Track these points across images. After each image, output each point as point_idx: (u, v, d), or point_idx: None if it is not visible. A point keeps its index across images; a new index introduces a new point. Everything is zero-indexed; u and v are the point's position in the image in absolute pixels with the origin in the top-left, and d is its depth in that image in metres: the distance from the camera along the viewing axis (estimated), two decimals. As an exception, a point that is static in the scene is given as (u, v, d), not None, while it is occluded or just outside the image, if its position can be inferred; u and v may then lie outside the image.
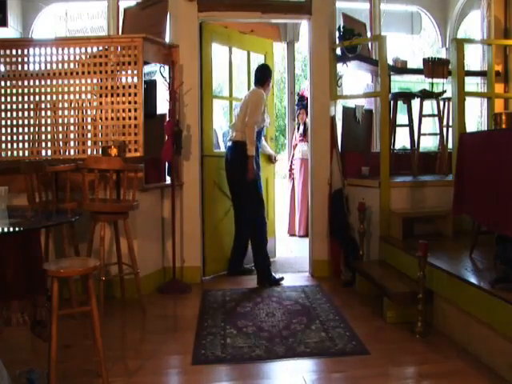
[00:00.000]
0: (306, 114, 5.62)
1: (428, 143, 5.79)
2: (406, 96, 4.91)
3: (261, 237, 4.42)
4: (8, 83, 4.08)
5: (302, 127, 6.47)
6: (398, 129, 4.98)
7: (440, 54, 6.47)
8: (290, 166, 6.69)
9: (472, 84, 5.55)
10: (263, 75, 4.52)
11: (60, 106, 4.08)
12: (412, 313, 3.18)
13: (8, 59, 4.07)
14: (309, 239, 4.79)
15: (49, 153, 4.05)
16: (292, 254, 5.62)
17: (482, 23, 5.40)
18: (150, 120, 4.19)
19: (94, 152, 4.02)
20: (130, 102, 3.98)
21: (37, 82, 4.05)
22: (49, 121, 4.05)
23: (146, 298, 3.73)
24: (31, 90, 4.04)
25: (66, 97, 4.05)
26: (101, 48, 4.05)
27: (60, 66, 4.05)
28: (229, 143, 4.51)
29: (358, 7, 5.77)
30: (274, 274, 4.46)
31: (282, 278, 4.46)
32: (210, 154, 4.70)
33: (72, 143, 4.08)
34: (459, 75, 4.16)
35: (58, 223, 3.04)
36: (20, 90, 4.06)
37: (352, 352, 2.91)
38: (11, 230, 2.31)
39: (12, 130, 4.06)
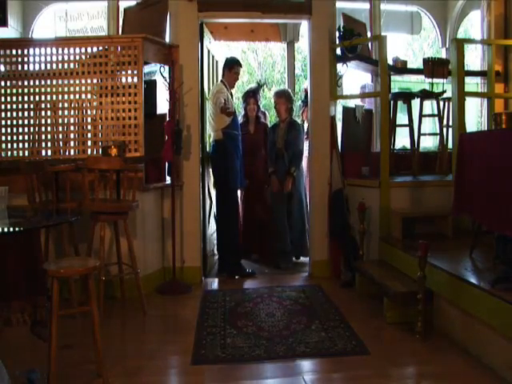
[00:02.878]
0: None
1: (428, 143, 5.78)
2: (406, 96, 4.91)
3: (232, 224, 4.64)
4: (8, 83, 4.08)
5: (306, 125, 6.43)
6: (398, 129, 4.97)
7: (440, 54, 6.47)
8: None
9: (472, 84, 5.54)
10: (223, 67, 4.77)
11: (60, 106, 4.08)
12: (412, 313, 3.18)
13: (8, 59, 4.07)
14: (309, 239, 4.79)
15: (49, 153, 4.06)
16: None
17: (482, 23, 5.40)
18: (150, 120, 4.19)
19: (94, 152, 4.02)
20: (130, 102, 3.98)
21: (37, 82, 4.05)
22: (49, 121, 4.05)
23: (146, 298, 3.73)
24: (31, 90, 4.05)
25: (66, 97, 4.06)
26: (101, 48, 4.05)
27: (60, 66, 4.06)
28: (212, 143, 4.70)
29: (358, 7, 5.76)
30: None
31: (254, 272, 4.69)
32: (210, 154, 4.72)
33: (72, 143, 4.09)
34: (459, 75, 4.16)
35: (57, 223, 3.04)
36: (20, 90, 4.06)
37: (352, 352, 2.91)
38: (11, 229, 2.31)
39: (12, 130, 4.07)
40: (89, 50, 4.05)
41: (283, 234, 4.94)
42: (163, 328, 3.40)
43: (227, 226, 4.64)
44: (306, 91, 6.26)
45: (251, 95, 5.24)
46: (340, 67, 4.72)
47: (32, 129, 4.06)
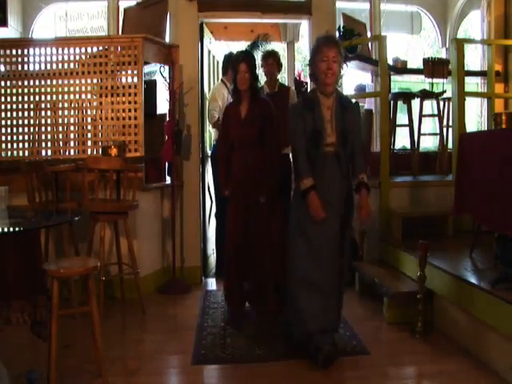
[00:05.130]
0: None
1: (428, 143, 5.79)
2: (406, 96, 4.91)
3: (221, 226, 4.49)
4: (8, 83, 4.08)
5: None
6: (398, 129, 4.97)
7: (440, 54, 6.47)
8: None
9: (472, 84, 5.55)
10: (223, 65, 4.66)
11: (60, 106, 4.08)
12: (412, 313, 3.18)
13: (8, 59, 4.07)
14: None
15: (49, 153, 4.06)
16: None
17: (482, 23, 5.40)
18: (149, 120, 4.19)
19: (94, 152, 4.02)
20: (130, 102, 3.98)
21: (37, 82, 4.04)
22: (49, 121, 4.05)
23: (146, 298, 3.72)
24: (31, 90, 4.04)
25: (66, 97, 4.05)
26: (101, 48, 4.05)
27: (60, 66, 4.06)
28: (213, 142, 4.69)
29: (358, 7, 5.77)
30: None
31: None
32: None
33: (72, 143, 4.09)
34: (459, 75, 4.16)
35: (57, 223, 3.04)
36: (20, 90, 4.06)
37: (352, 352, 2.90)
38: (11, 229, 2.31)
39: (12, 130, 4.06)
40: (89, 50, 4.05)
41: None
42: (163, 328, 3.40)
43: (220, 227, 4.59)
44: (296, 80, 5.24)
45: (242, 59, 3.42)
46: (340, 67, 4.72)
47: (32, 129, 4.05)
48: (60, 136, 4.06)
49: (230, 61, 4.25)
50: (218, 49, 5.21)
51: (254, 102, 3.45)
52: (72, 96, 4.05)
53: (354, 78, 5.92)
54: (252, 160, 3.37)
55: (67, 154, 4.07)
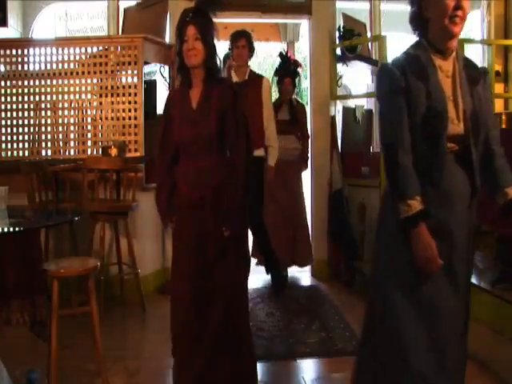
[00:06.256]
0: (294, 86, 4.36)
1: (428, 143, 5.78)
2: (406, 96, 4.90)
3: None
4: (8, 83, 4.08)
5: (285, 107, 4.40)
6: (397, 129, 4.96)
7: (440, 54, 6.47)
8: None
9: (472, 84, 5.54)
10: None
11: (60, 106, 4.09)
12: (412, 313, 3.17)
13: (8, 59, 4.07)
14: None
15: (49, 153, 4.06)
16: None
17: (482, 23, 5.40)
18: (150, 120, 4.19)
19: (94, 152, 4.02)
20: (130, 102, 3.98)
21: (37, 82, 4.05)
22: (49, 121, 4.06)
23: (146, 298, 3.72)
24: (31, 90, 4.05)
25: (66, 97, 4.06)
26: (101, 48, 4.06)
27: (60, 66, 4.06)
28: None
29: (358, 7, 5.76)
30: None
31: None
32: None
33: (72, 143, 4.09)
34: (459, 75, 4.15)
35: (57, 223, 3.04)
36: (20, 90, 4.06)
37: (352, 352, 2.90)
38: (11, 229, 2.32)
39: (12, 129, 4.07)
40: (89, 50, 4.05)
41: None
42: (163, 328, 3.37)
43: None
44: (283, 55, 4.58)
45: (191, 19, 2.25)
46: (340, 67, 4.72)
47: (32, 129, 4.06)
48: (60, 136, 4.07)
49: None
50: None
51: (211, 85, 2.31)
52: (72, 96, 4.05)
53: (356, 78, 5.92)
54: (209, 172, 2.28)
55: (67, 153, 4.08)
